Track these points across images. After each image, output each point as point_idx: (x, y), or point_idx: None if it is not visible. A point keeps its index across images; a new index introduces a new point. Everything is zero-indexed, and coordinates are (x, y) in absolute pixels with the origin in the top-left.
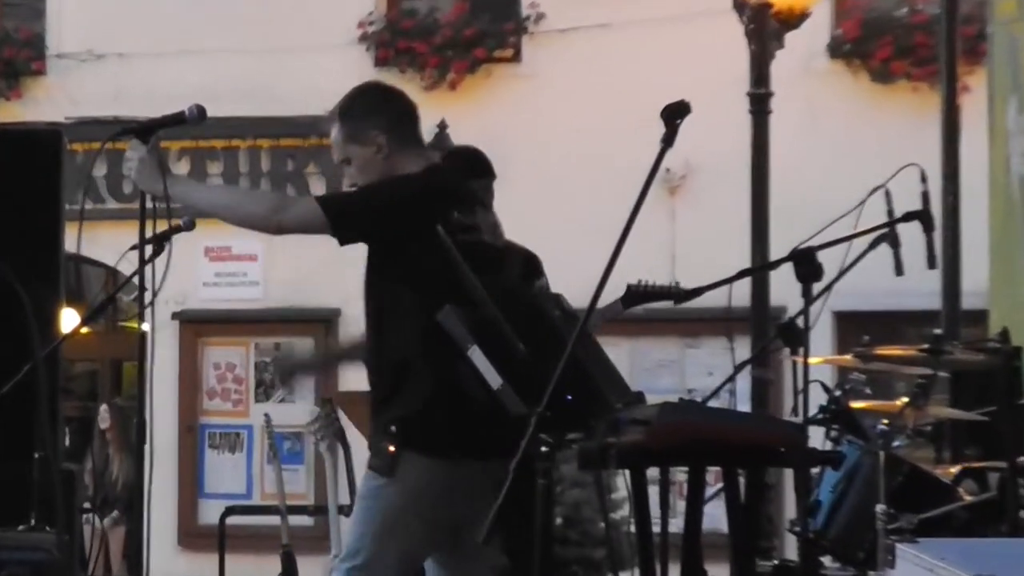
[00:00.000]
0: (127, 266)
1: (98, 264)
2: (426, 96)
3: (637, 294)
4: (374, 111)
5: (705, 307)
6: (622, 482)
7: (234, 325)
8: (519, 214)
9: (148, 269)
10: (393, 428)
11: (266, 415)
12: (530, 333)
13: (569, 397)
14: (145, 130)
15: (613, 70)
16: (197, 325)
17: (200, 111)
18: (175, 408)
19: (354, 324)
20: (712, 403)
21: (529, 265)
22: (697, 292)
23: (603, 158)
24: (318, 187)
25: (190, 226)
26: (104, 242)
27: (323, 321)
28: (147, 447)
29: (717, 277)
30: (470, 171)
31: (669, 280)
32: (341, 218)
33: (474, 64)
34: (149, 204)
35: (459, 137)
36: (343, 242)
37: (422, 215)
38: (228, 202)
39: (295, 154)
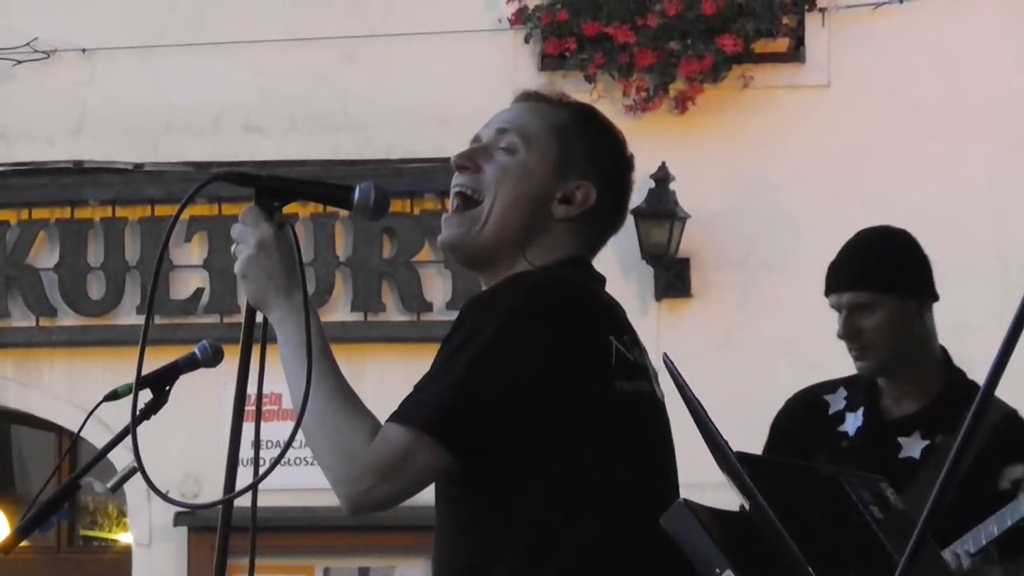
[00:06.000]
0: (100, 433)
1: (43, 425)
2: (630, 124)
3: None
4: (610, 154)
5: None
6: None
7: (296, 536)
8: (801, 318)
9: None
10: None
11: None
12: (823, 544)
13: None
14: (273, 190)
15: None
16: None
17: (381, 197)
18: None
19: None
20: None
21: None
22: None
23: (952, 229)
24: (437, 282)
25: (212, 358)
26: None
27: None
28: None
29: None
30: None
31: None
32: (459, 431)
33: (720, 66)
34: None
35: (697, 205)
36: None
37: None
38: (331, 415)
39: (398, 225)
